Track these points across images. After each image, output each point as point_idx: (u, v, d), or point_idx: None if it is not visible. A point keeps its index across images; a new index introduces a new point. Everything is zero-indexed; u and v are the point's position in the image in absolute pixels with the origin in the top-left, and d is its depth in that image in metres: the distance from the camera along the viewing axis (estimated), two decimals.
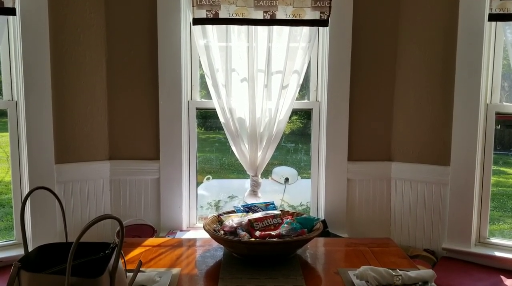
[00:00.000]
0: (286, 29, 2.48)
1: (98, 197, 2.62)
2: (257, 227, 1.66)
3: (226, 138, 2.62)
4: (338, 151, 2.65)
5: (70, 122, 2.51)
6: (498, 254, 2.38)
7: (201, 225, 2.68)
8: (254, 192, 2.65)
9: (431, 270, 1.47)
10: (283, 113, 2.56)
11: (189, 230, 2.69)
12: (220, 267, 1.58)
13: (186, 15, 2.57)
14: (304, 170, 3.09)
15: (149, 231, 2.57)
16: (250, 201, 2.56)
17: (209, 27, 2.47)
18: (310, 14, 2.45)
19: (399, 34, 2.61)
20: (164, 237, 2.53)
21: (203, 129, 2.99)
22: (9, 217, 3.28)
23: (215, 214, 1.84)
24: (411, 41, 2.58)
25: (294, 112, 2.89)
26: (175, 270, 1.55)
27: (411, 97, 2.61)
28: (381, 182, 2.71)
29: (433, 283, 1.40)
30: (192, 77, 2.69)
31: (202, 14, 2.44)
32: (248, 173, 2.65)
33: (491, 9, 2.30)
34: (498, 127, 2.50)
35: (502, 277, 2.25)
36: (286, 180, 3.06)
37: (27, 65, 2.32)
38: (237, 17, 2.43)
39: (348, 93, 2.61)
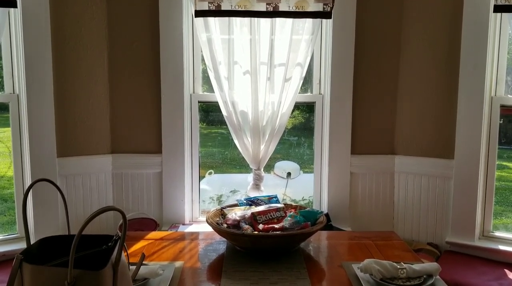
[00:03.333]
0: (289, 21, 2.46)
1: (100, 191, 2.62)
2: (260, 220, 1.65)
3: (229, 132, 2.61)
4: (341, 144, 2.64)
5: (72, 115, 2.50)
6: (502, 247, 2.37)
7: (203, 218, 2.68)
8: (256, 186, 2.64)
9: (435, 263, 1.46)
10: (286, 107, 2.54)
11: (192, 224, 2.68)
12: (223, 260, 1.58)
13: (188, 7, 2.55)
14: (307, 163, 3.08)
15: (151, 224, 2.57)
16: (253, 194, 2.55)
17: (211, 20, 2.45)
18: (313, 6, 2.43)
19: (403, 27, 2.59)
20: (167, 230, 2.52)
21: (205, 124, 2.98)
22: (12, 212, 3.29)
23: (218, 207, 1.83)
24: (415, 34, 2.55)
25: (297, 106, 2.88)
26: (178, 263, 1.54)
27: (415, 90, 2.59)
28: (385, 175, 2.70)
29: (437, 276, 1.39)
30: (195, 70, 2.67)
31: (204, 6, 2.42)
32: (250, 166, 2.64)
33: (496, 0, 2.27)
34: (502, 121, 2.48)
35: (506, 270, 2.24)
36: (288, 174, 3.06)
37: (29, 58, 2.30)
38: (240, 9, 2.41)
39: (351, 86, 2.59)
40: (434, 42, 2.50)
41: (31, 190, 1.11)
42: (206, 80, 2.65)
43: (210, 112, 2.95)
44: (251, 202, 1.88)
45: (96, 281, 0.92)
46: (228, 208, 1.82)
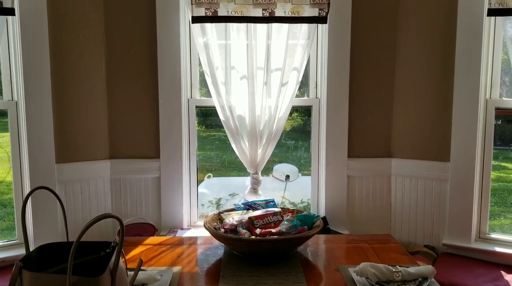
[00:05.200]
0: (285, 26, 2.48)
1: (98, 196, 2.63)
2: (257, 224, 1.66)
3: (227, 136, 2.63)
4: (338, 148, 2.65)
5: (70, 121, 2.52)
6: (498, 249, 2.39)
7: (202, 223, 2.69)
8: (254, 190, 2.65)
9: (430, 266, 1.47)
10: (283, 111, 2.56)
11: (190, 229, 2.69)
12: (221, 265, 1.59)
13: (185, 13, 2.57)
14: (304, 167, 3.09)
15: (150, 229, 2.58)
16: (251, 198, 2.56)
17: (208, 25, 2.47)
18: (309, 11, 2.45)
19: (398, 30, 2.61)
20: (165, 235, 2.53)
21: (203, 127, 2.99)
22: (11, 217, 3.29)
23: (216, 212, 1.85)
24: (410, 37, 2.57)
25: (295, 109, 2.89)
26: (176, 269, 1.55)
27: (411, 93, 2.61)
28: (381, 178, 2.71)
29: (432, 279, 1.41)
30: (192, 75, 2.69)
31: (201, 12, 2.44)
32: (248, 170, 2.65)
33: (490, 3, 2.29)
34: (499, 122, 2.50)
35: (503, 272, 2.25)
36: (287, 177, 3.06)
37: (27, 65, 2.32)
38: (236, 15, 2.43)
39: (347, 90, 2.61)
40: (429, 45, 2.52)
41: (29, 198, 1.13)
42: (204, 83, 2.67)
43: (208, 116, 2.97)
44: (249, 206, 1.89)
45: None
46: (225, 213, 1.83)
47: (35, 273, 0.96)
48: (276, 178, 3.12)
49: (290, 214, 1.78)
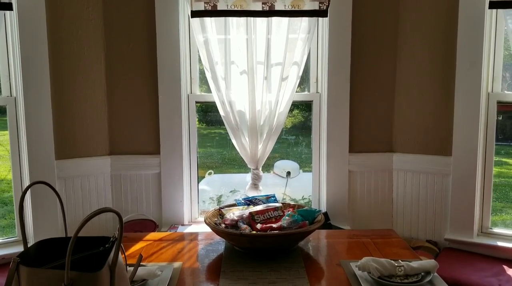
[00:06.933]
0: (285, 20, 2.46)
1: (99, 193, 2.62)
2: (258, 219, 1.65)
3: (227, 132, 2.61)
4: (339, 143, 2.64)
5: (70, 117, 2.50)
6: (500, 244, 2.38)
7: (203, 219, 2.67)
8: (255, 185, 2.64)
9: (433, 260, 1.46)
10: (283, 106, 2.54)
11: (191, 224, 2.68)
12: (222, 260, 1.58)
13: (184, 7, 2.55)
14: (305, 163, 3.08)
15: (150, 225, 2.57)
16: (251, 194, 2.55)
17: (207, 20, 2.45)
18: (309, 4, 2.43)
19: (399, 24, 2.58)
20: (166, 231, 2.52)
21: (204, 124, 2.98)
22: (12, 215, 3.28)
23: (216, 207, 1.83)
24: (412, 31, 2.55)
25: (295, 105, 2.88)
26: (177, 264, 1.54)
27: (412, 87, 2.59)
28: (383, 173, 2.70)
29: (435, 273, 1.39)
30: (192, 71, 2.67)
31: (201, 6, 2.42)
32: (249, 166, 2.64)
33: None
34: (500, 118, 2.48)
35: (505, 266, 2.24)
36: (288, 173, 3.05)
37: (25, 61, 2.30)
38: (236, 9, 2.41)
39: (348, 84, 2.59)
40: (431, 39, 2.51)
41: (29, 193, 1.12)
42: (204, 80, 2.65)
43: (209, 113, 2.95)
44: (249, 201, 1.88)
45: (93, 283, 0.92)
46: (226, 208, 1.82)
47: (33, 268, 0.94)
48: (277, 174, 3.11)
49: (291, 209, 1.77)
